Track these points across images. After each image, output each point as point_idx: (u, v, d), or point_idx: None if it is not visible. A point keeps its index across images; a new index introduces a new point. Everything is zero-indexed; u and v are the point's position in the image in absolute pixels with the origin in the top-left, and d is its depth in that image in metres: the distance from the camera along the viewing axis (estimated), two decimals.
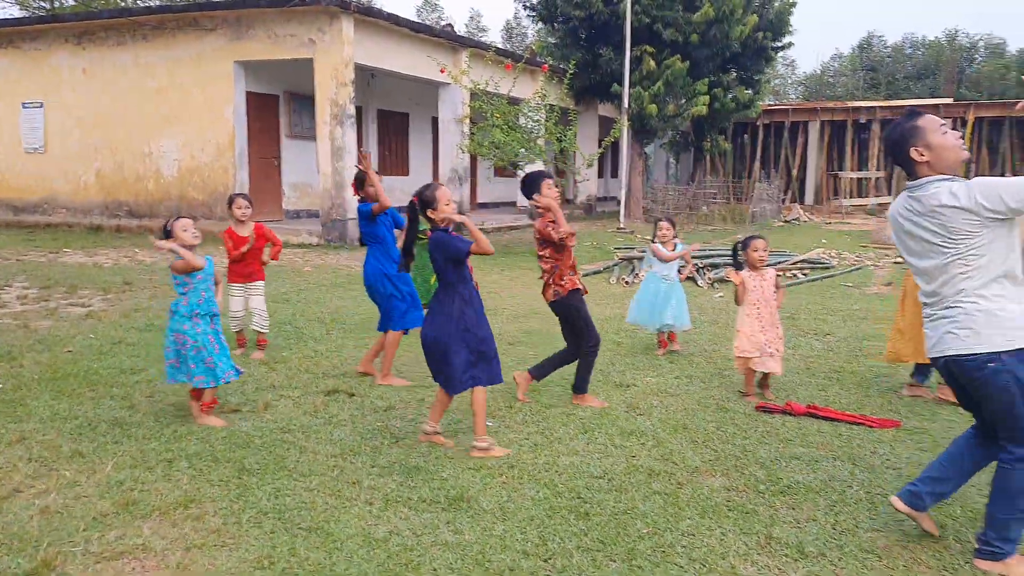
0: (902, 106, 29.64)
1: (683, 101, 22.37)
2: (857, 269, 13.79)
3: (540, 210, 5.60)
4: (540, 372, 5.87)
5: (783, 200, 28.40)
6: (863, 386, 6.29)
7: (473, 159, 21.02)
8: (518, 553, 3.48)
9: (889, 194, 30.15)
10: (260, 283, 7.04)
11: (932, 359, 3.58)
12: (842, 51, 51.58)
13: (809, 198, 30.51)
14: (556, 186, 5.68)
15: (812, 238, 19.65)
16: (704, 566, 3.42)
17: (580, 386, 5.73)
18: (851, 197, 29.52)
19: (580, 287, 5.65)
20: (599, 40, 23.08)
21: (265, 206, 16.99)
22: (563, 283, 5.56)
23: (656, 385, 6.27)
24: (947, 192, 3.33)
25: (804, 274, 13.02)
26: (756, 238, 6.05)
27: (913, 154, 3.48)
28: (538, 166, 17.95)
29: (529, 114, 16.35)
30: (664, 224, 7.49)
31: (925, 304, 3.57)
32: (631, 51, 21.39)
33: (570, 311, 5.65)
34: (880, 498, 4.09)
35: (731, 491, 4.19)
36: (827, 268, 13.75)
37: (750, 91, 25.47)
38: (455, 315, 4.61)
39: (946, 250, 3.36)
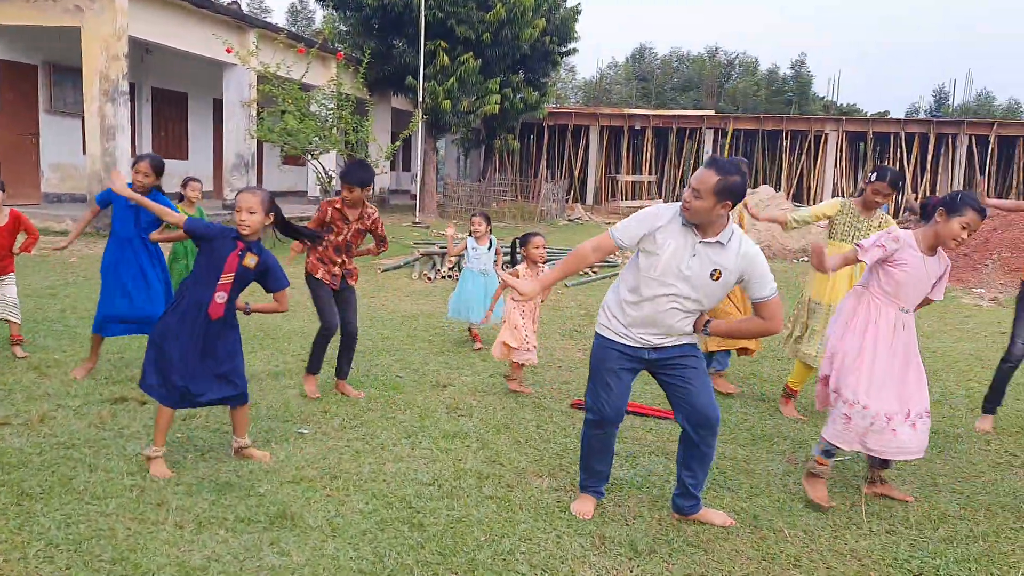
0: (673, 115, 31.84)
1: (475, 99, 22.61)
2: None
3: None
4: (312, 366, 5.75)
5: (566, 199, 29.55)
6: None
7: (260, 145, 20.01)
8: (354, 573, 3.26)
9: (660, 197, 32.25)
10: (11, 276, 6.26)
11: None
12: (617, 60, 54.44)
13: (590, 199, 31.95)
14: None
15: (592, 235, 20.57)
16: (546, 571, 3.37)
17: (342, 370, 5.79)
18: (627, 198, 31.26)
19: (319, 277, 5.59)
20: (393, 31, 22.78)
21: (20, 188, 15.17)
22: (310, 262, 5.62)
23: (473, 384, 6.21)
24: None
25: (594, 271, 13.54)
26: (535, 235, 6.16)
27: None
28: (332, 156, 17.41)
29: (323, 102, 15.77)
30: (477, 219, 7.48)
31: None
32: (425, 45, 21.29)
33: (310, 290, 5.66)
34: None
35: (559, 491, 4.20)
36: (615, 266, 14.41)
37: (537, 93, 26.24)
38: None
39: None
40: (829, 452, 4.27)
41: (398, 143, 16.99)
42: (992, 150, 29.81)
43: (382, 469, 4.37)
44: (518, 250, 6.16)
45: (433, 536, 3.61)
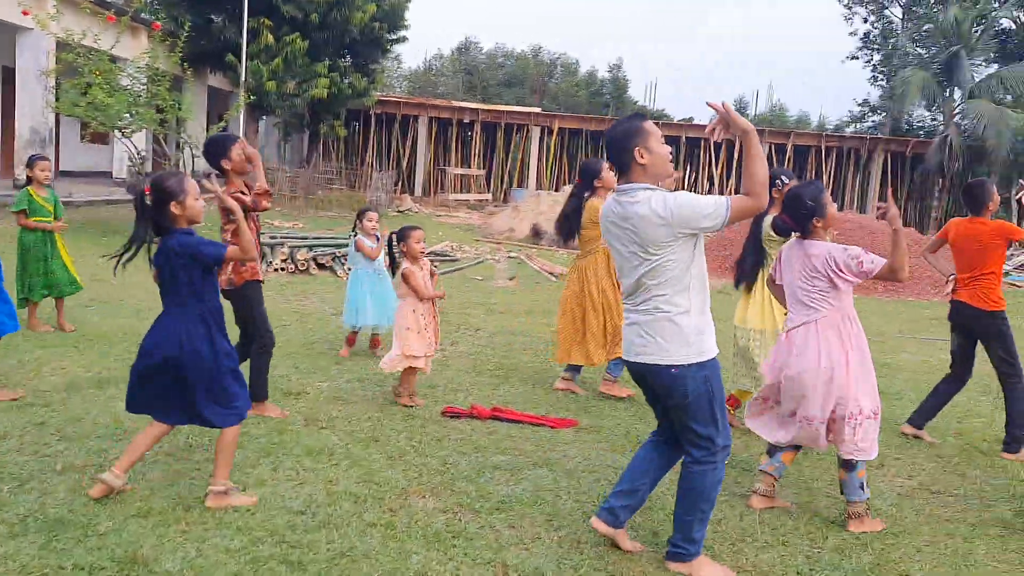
0: (502, 110, 31.99)
1: (302, 81, 21.59)
2: (479, 262, 14.38)
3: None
4: (263, 391, 5.15)
5: (395, 190, 28.95)
6: (527, 383, 6.38)
7: (57, 120, 18.04)
8: None
9: (489, 191, 32.37)
10: None
11: (625, 360, 3.57)
12: (443, 52, 54.19)
13: (418, 190, 31.49)
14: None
15: (428, 230, 20.23)
16: None
17: (257, 393, 4.98)
18: (457, 191, 31.10)
19: (259, 277, 4.93)
20: (212, 4, 21.28)
21: None
22: (242, 269, 4.80)
23: (330, 391, 5.72)
24: (648, 203, 3.30)
25: (436, 266, 13.18)
26: (414, 228, 5.71)
27: (636, 154, 3.38)
28: (141, 136, 15.99)
29: (135, 75, 14.39)
30: (371, 214, 6.93)
31: (624, 304, 3.56)
32: (248, 22, 20.06)
33: (243, 303, 4.89)
34: (590, 506, 4.05)
35: (447, 513, 3.86)
36: (454, 260, 14.15)
37: (366, 80, 25.48)
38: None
39: (640, 258, 3.34)
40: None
41: (223, 123, 15.82)
42: (789, 157, 32.17)
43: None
44: (397, 246, 5.65)
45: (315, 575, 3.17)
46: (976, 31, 31.82)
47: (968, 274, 5.46)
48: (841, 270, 3.92)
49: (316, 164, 28.33)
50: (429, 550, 3.47)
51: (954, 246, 5.63)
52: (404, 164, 32.06)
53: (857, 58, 42.18)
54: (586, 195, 6.08)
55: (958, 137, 29.44)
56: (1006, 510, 4.42)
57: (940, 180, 31.46)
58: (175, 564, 3.15)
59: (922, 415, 5.75)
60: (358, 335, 7.01)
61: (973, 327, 5.51)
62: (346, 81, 24.61)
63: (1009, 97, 30.24)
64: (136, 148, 14.30)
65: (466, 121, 32.07)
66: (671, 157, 3.52)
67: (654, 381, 3.43)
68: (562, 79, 49.25)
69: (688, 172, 34.58)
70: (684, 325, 3.32)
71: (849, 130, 42.40)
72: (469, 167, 32.49)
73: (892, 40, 40.30)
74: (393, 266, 5.77)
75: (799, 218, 4.09)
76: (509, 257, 15.83)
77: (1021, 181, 20.23)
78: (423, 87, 48.27)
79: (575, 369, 6.29)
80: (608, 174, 5.91)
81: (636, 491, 3.63)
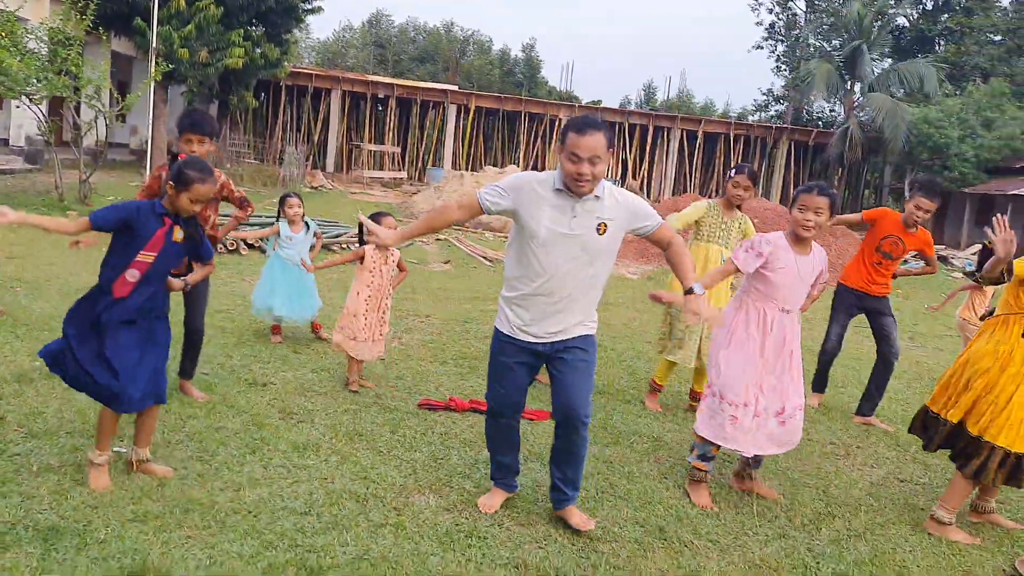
0: (417, 87, 31.55)
1: (215, 50, 20.70)
2: (409, 245, 14.18)
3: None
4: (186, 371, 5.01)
5: (306, 166, 28.22)
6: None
7: None
8: None
9: (403, 167, 31.95)
10: None
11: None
12: (353, 24, 52.98)
13: (330, 166, 30.81)
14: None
15: (347, 207, 19.82)
16: None
17: (186, 370, 5.01)
18: (371, 168, 30.56)
19: None
20: None
21: None
22: None
23: (296, 382, 5.53)
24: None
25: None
26: (386, 215, 5.61)
27: None
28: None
29: (42, 37, 13.49)
30: (293, 200, 6.65)
31: None
32: None
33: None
34: (590, 502, 4.05)
35: (451, 511, 3.79)
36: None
37: (279, 50, 24.65)
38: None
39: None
40: (706, 456, 4.29)
41: (139, 93, 15.00)
42: (700, 144, 32.98)
43: (240, 497, 3.68)
44: (366, 232, 5.53)
45: None
46: (875, 27, 33.24)
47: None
48: None
49: (225, 137, 27.30)
50: (445, 551, 3.41)
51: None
52: (315, 139, 31.28)
53: (762, 48, 43.49)
54: None
55: (858, 129, 30.75)
56: (973, 497, 4.66)
57: (839, 169, 32.87)
58: (191, 573, 2.99)
59: (868, 403, 6.01)
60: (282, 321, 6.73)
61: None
62: (258, 51, 23.74)
63: (902, 91, 31.76)
64: (44, 115, 13.42)
65: (381, 96, 31.51)
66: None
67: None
68: (475, 56, 48.90)
69: None
70: None
71: (752, 118, 43.73)
72: (383, 144, 31.97)
73: (795, 32, 41.71)
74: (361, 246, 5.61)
75: None
76: (438, 240, 15.68)
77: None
78: (332, 59, 47.12)
79: None
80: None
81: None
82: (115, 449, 3.99)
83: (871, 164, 32.17)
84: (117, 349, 3.51)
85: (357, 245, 5.66)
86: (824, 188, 4.25)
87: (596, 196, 3.48)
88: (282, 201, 6.69)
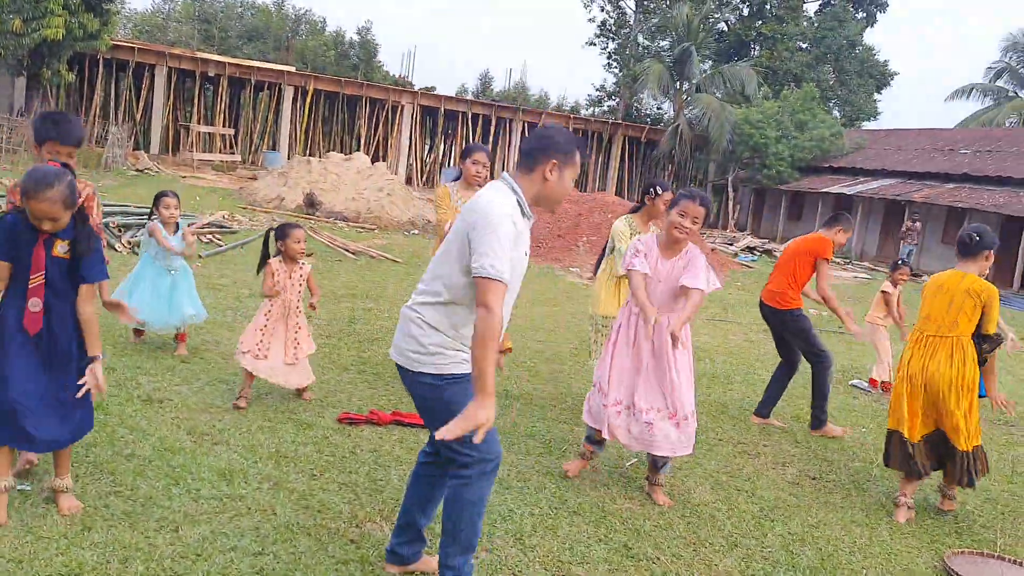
0: (251, 66, 30.06)
1: (30, 19, 18.75)
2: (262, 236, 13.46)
3: None
4: None
5: (128, 147, 26.21)
6: (398, 380, 6.07)
7: None
8: None
9: (236, 150, 30.37)
10: None
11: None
12: None
13: (155, 147, 28.76)
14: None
15: (184, 192, 18.54)
16: None
17: None
18: (201, 151, 28.84)
19: None
20: None
21: None
22: None
23: (195, 397, 5.05)
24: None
25: (220, 240, 12.12)
26: (295, 227, 5.25)
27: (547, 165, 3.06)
28: None
29: None
30: (170, 200, 5.98)
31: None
32: None
33: None
34: (550, 519, 3.95)
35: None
36: (234, 233, 13.11)
37: (99, 20, 22.66)
38: None
39: None
40: (590, 437, 4.56)
41: None
42: None
43: (181, 538, 3.30)
44: (277, 243, 5.13)
45: None
46: (702, 31, 35.05)
47: (778, 270, 6.23)
48: None
49: (33, 113, 24.83)
50: None
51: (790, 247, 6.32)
52: (138, 118, 29.11)
53: (595, 44, 44.69)
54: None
55: (687, 127, 32.34)
56: (877, 493, 4.96)
57: (669, 165, 34.46)
58: None
59: (766, 405, 6.26)
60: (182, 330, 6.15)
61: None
62: (75, 20, 21.72)
63: (725, 93, 33.70)
64: None
65: (211, 75, 29.77)
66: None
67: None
68: (308, 37, 47.23)
69: (445, 143, 34.86)
70: None
71: (585, 112, 44.96)
72: (214, 125, 30.24)
73: (625, 31, 43.20)
74: (262, 262, 5.17)
75: None
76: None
77: (908, 222, 22.63)
78: (151, 32, 44.04)
79: None
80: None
81: (412, 524, 3.29)
82: (20, 487, 3.47)
83: (696, 161, 33.92)
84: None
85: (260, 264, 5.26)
86: (705, 199, 4.41)
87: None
88: (157, 200, 6.03)
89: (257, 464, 4.15)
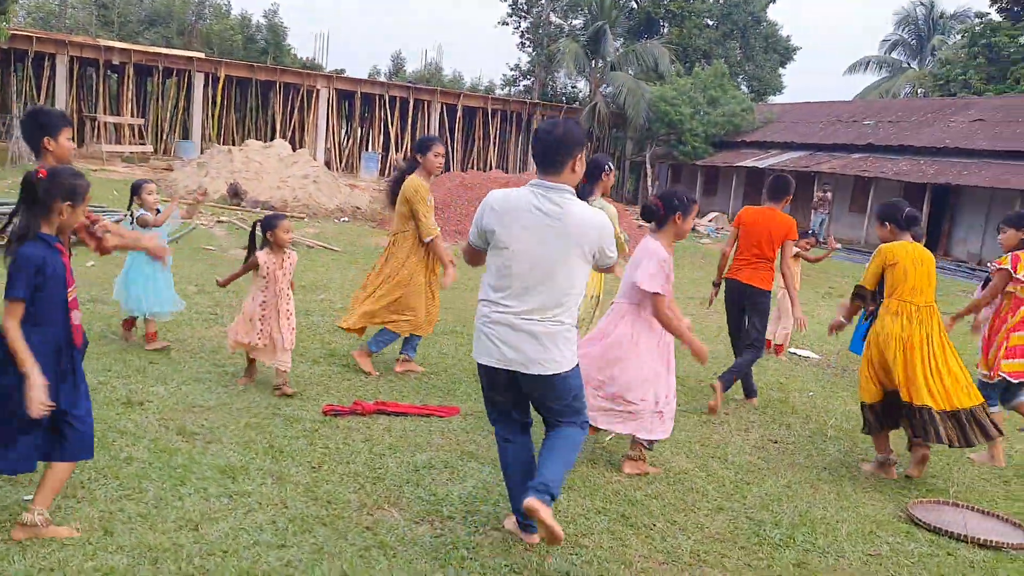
0: (158, 53, 29.07)
1: None
2: (192, 228, 13.20)
3: None
4: None
5: None
6: (380, 369, 6.13)
7: None
8: None
9: (147, 140, 29.39)
10: None
11: (502, 369, 3.56)
12: None
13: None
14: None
15: (99, 187, 17.94)
16: None
17: None
18: (110, 143, 27.79)
19: None
20: None
21: None
22: None
23: (174, 397, 5.03)
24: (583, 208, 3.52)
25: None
26: (282, 217, 5.41)
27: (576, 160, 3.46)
28: None
29: None
30: (150, 186, 6.06)
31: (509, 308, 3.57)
32: None
33: None
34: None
35: (422, 523, 3.71)
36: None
37: None
38: None
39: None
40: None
41: None
42: (460, 117, 33.51)
43: (203, 536, 3.36)
44: (260, 234, 5.22)
45: None
46: (614, 9, 35.51)
47: (752, 254, 6.17)
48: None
49: None
50: (445, 568, 3.35)
51: (746, 229, 6.34)
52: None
53: (507, 24, 44.74)
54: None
55: (604, 105, 32.81)
56: (835, 452, 5.33)
57: (588, 143, 34.88)
58: None
59: (749, 392, 6.40)
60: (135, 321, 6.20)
61: (747, 303, 6.22)
62: None
63: (633, 71, 34.28)
64: None
65: (116, 63, 28.65)
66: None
67: (544, 386, 3.48)
68: (213, 21, 45.81)
69: (363, 128, 34.46)
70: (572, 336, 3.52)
71: (500, 92, 45.05)
72: (121, 115, 29.16)
73: (537, 9, 43.38)
74: (250, 254, 5.29)
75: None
76: (219, 222, 14.71)
77: (819, 192, 23.25)
78: (46, 19, 42.02)
79: (411, 347, 6.21)
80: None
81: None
82: (24, 499, 3.46)
83: (614, 139, 34.49)
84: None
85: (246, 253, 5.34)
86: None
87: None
88: (136, 189, 6.07)
89: (255, 460, 4.21)
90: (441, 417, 5.19)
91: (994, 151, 23.49)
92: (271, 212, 5.52)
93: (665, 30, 40.50)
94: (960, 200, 23.14)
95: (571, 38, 35.39)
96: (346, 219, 17.36)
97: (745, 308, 6.17)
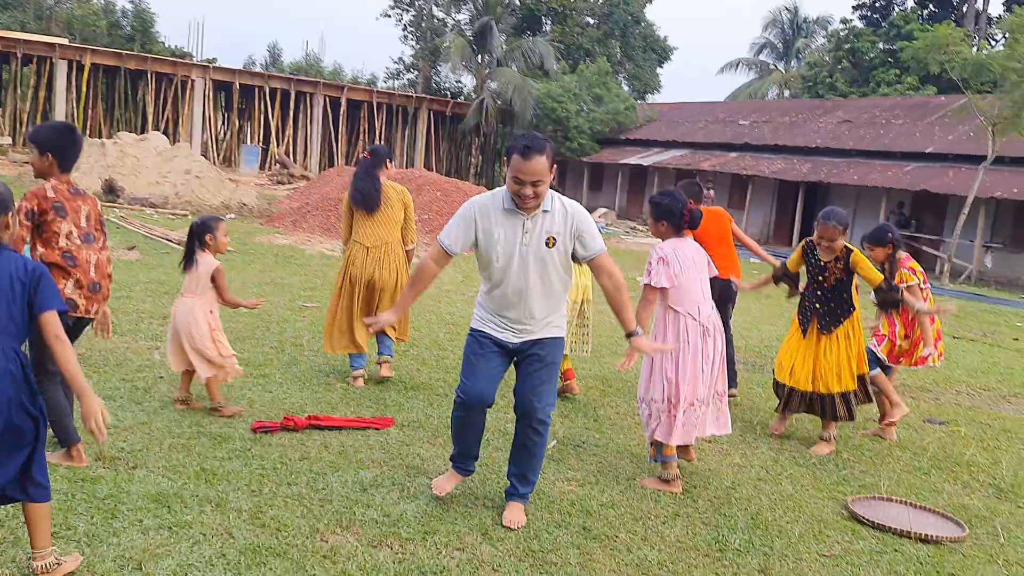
0: (16, 38, 27.09)
1: None
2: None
3: None
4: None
5: None
6: (299, 381, 5.84)
7: None
8: None
9: (6, 132, 27.32)
10: None
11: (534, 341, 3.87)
12: None
13: None
14: None
15: None
16: None
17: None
18: None
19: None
20: None
21: None
22: None
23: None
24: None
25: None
26: (219, 219, 5.09)
27: None
28: None
29: None
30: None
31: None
32: None
33: None
34: (496, 507, 4.01)
35: (379, 547, 3.51)
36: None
37: None
38: None
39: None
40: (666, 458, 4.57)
41: None
42: (344, 112, 32.75)
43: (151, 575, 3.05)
44: (204, 238, 4.88)
45: None
46: (499, 4, 35.57)
47: (719, 251, 6.28)
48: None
49: None
50: None
51: (705, 233, 6.41)
52: None
53: (390, 16, 44.09)
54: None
55: (492, 101, 32.81)
56: (767, 450, 5.42)
57: (476, 139, 34.85)
58: None
59: (731, 382, 6.49)
60: None
61: (724, 293, 6.35)
62: None
63: (519, 67, 34.48)
64: None
65: None
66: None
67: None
68: (74, 5, 43.04)
69: (242, 120, 33.19)
70: None
71: (383, 85, 44.40)
72: None
73: (420, 2, 42.97)
74: (188, 260, 4.90)
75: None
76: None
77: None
78: None
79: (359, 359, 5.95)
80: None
81: None
82: None
83: (503, 135, 34.56)
84: None
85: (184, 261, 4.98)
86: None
87: (544, 210, 3.65)
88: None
89: (189, 485, 3.89)
90: (377, 429, 4.97)
91: (860, 150, 24.91)
92: (208, 215, 5.12)
93: (549, 27, 40.92)
94: (830, 197, 24.36)
95: (457, 33, 35.18)
96: (232, 216, 16.62)
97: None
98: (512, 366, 3.94)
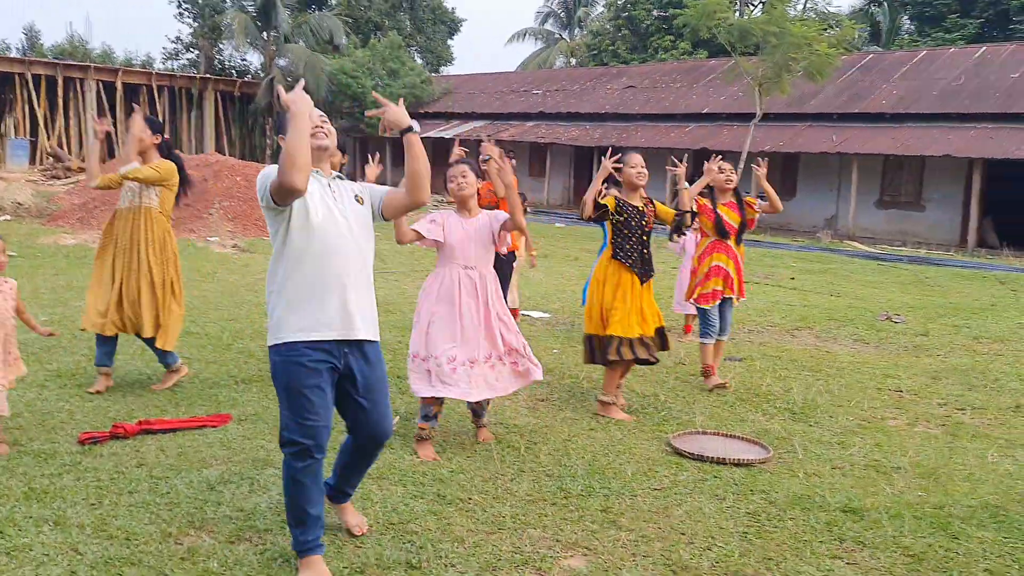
0: None
1: None
2: None
3: None
4: None
5: None
6: (124, 386, 5.56)
7: None
8: None
9: None
10: None
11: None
12: None
13: None
14: None
15: None
16: None
17: None
18: None
19: None
20: None
21: None
22: None
23: None
24: None
25: None
26: None
27: None
28: None
29: None
30: None
31: None
32: None
33: None
34: (379, 507, 4.08)
35: (237, 543, 3.49)
36: None
37: None
38: None
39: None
40: (427, 416, 4.66)
41: None
42: (120, 97, 30.53)
43: None
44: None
45: None
46: None
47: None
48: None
49: None
50: None
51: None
52: None
53: None
54: None
55: (282, 79, 31.72)
56: (591, 402, 5.81)
57: (269, 119, 33.61)
58: None
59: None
60: None
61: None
62: None
63: (308, 43, 33.59)
64: None
65: None
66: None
67: None
68: None
69: (3, 111, 30.15)
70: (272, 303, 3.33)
71: (160, 67, 41.71)
72: None
73: None
74: None
75: None
76: None
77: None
78: None
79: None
80: None
81: None
82: None
83: None
84: None
85: None
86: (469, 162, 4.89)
87: (339, 176, 3.50)
88: None
89: (19, 508, 3.67)
90: (215, 427, 4.87)
91: (644, 114, 26.43)
92: None
93: (335, 1, 39.99)
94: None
95: (238, 8, 33.62)
96: (8, 217, 15.20)
97: None
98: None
